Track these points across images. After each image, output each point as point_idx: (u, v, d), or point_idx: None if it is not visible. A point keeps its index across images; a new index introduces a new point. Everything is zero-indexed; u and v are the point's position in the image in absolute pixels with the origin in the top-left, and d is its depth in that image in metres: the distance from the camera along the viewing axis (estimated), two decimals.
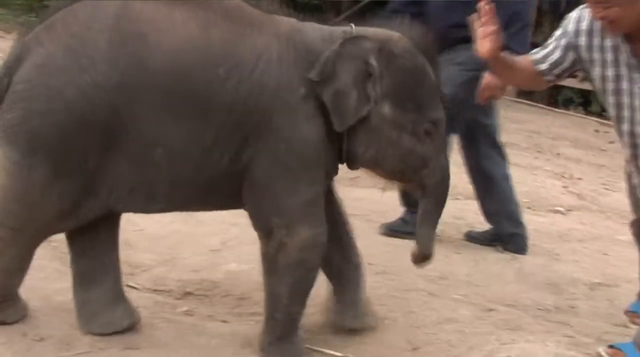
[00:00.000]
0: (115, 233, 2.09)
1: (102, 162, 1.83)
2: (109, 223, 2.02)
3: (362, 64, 1.93)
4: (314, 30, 2.00)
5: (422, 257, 2.10)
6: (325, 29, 2.03)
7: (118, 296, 2.08)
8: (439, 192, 2.08)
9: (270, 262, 1.96)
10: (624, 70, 2.06)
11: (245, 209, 2.00)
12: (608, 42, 2.07)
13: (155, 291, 2.41)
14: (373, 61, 1.93)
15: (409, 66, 1.98)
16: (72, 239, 2.03)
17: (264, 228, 1.96)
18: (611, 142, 6.09)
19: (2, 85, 1.82)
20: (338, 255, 2.18)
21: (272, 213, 1.93)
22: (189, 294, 2.43)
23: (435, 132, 2.03)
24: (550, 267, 3.07)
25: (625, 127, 2.09)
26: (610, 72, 2.07)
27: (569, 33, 2.14)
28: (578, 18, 2.13)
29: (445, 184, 2.09)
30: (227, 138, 1.87)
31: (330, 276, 2.22)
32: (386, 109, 1.95)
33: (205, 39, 1.85)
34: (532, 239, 3.25)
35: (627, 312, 2.62)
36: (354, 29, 2.00)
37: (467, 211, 3.47)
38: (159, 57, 1.81)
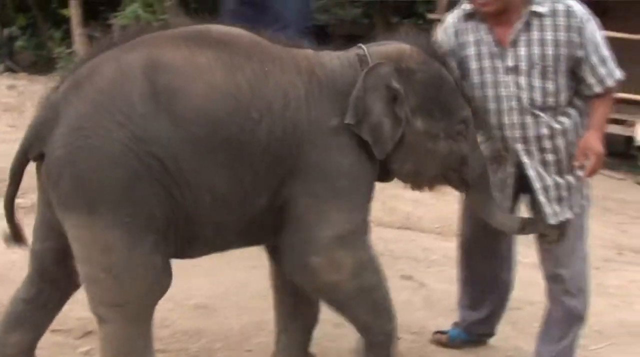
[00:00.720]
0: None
1: (167, 213, 1.81)
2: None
3: (385, 90, 1.99)
4: (331, 59, 2.05)
5: (540, 230, 2.28)
6: (340, 55, 2.08)
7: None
8: (483, 183, 2.21)
9: (334, 301, 2.02)
10: (486, 62, 2.24)
11: (280, 247, 1.99)
12: (471, 37, 2.26)
13: (54, 331, 2.31)
14: (395, 84, 2.00)
15: (428, 77, 2.06)
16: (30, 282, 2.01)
17: (304, 272, 1.96)
18: None
19: (34, 149, 1.80)
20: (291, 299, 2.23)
21: (309, 252, 1.93)
22: (90, 333, 2.37)
23: (466, 130, 2.13)
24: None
25: (494, 119, 2.25)
26: (473, 66, 2.26)
27: (443, 41, 2.32)
28: (443, 27, 2.35)
29: (486, 174, 2.21)
30: (265, 179, 1.89)
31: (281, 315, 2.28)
32: (418, 123, 2.04)
33: (233, 84, 1.85)
34: (441, 265, 3.35)
35: (437, 333, 2.71)
36: (365, 50, 2.07)
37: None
38: (190, 109, 1.80)
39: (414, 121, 2.03)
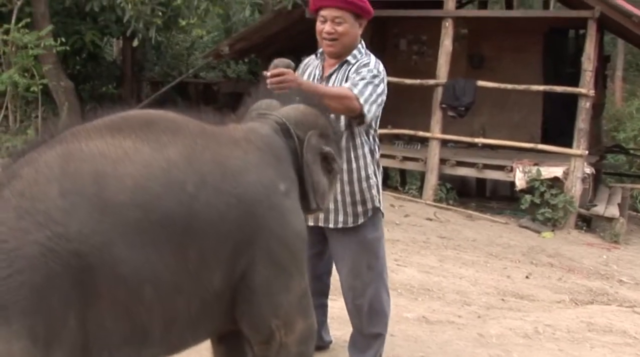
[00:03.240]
0: None
1: (86, 319, 1.69)
2: None
3: (320, 156, 2.24)
4: (261, 125, 2.17)
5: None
6: (265, 120, 2.21)
7: None
8: None
9: None
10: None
11: (240, 322, 1.97)
12: (310, 69, 2.82)
13: None
14: (325, 148, 2.26)
15: (327, 126, 2.35)
16: None
17: (264, 333, 1.99)
18: (407, 216, 7.05)
19: None
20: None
21: (271, 316, 1.97)
22: None
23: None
24: (337, 354, 3.11)
25: None
26: None
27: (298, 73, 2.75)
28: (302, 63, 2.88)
29: None
30: (215, 254, 1.85)
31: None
32: (338, 163, 2.35)
33: (163, 159, 1.83)
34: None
35: None
36: (283, 117, 2.21)
37: None
38: (120, 191, 1.74)
39: (338, 165, 2.34)
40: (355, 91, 2.55)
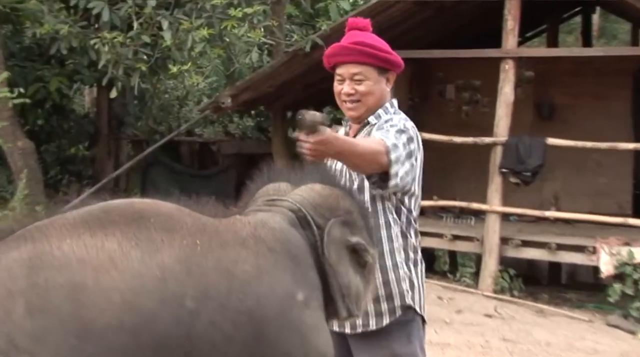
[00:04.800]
0: None
1: None
2: None
3: (348, 250, 2.28)
4: (272, 216, 2.20)
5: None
6: (275, 209, 2.25)
7: None
8: None
9: None
10: None
11: None
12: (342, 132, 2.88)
13: None
14: (352, 238, 2.29)
15: (358, 210, 2.40)
16: None
17: None
18: (459, 312, 6.97)
19: None
20: None
21: None
22: None
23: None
24: None
25: None
26: None
27: None
28: None
29: None
30: None
31: None
32: (374, 253, 2.40)
33: (156, 266, 1.85)
34: None
35: None
36: (302, 207, 2.26)
37: None
38: (106, 311, 1.75)
39: (373, 256, 2.39)
40: (388, 143, 2.58)
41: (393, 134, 2.64)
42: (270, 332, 1.95)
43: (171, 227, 1.95)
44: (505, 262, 8.25)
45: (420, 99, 10.22)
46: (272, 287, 2.00)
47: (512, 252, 8.23)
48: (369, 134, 2.78)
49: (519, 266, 8.55)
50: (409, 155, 2.65)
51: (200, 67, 11.76)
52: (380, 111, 2.83)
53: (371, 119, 2.83)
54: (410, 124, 2.76)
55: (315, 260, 2.20)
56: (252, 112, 13.28)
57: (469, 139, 8.41)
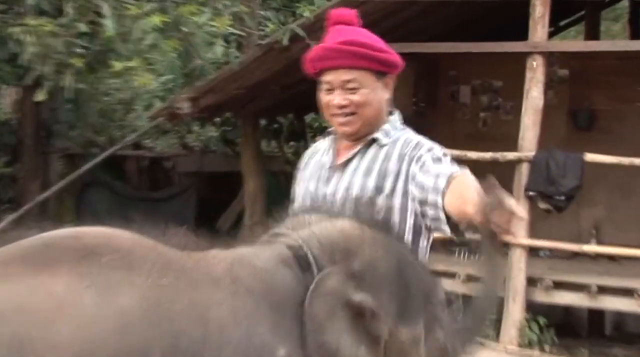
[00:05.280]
0: None
1: None
2: None
3: (345, 310, 2.20)
4: (260, 252, 2.26)
5: None
6: (269, 251, 2.29)
7: None
8: None
9: None
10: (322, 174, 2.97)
11: None
12: (319, 157, 3.03)
13: None
14: (355, 296, 2.21)
15: (393, 264, 2.32)
16: None
17: None
18: None
19: None
20: None
21: None
22: None
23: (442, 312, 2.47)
24: None
25: None
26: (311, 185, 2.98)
27: (299, 168, 3.10)
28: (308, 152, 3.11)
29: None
30: None
31: None
32: (403, 333, 2.29)
33: (115, 313, 1.91)
34: None
35: None
36: (303, 245, 2.28)
37: None
38: None
39: (396, 333, 2.27)
40: (455, 171, 2.69)
41: (451, 167, 2.73)
42: None
43: (130, 265, 1.99)
44: (533, 309, 8.28)
45: (426, 103, 10.28)
46: (250, 337, 2.04)
47: (543, 297, 8.28)
48: (380, 158, 2.86)
49: (551, 314, 8.56)
50: None
51: (151, 64, 11.76)
52: (387, 127, 2.91)
53: (379, 135, 2.89)
54: (439, 148, 2.86)
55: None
56: (217, 120, 13.26)
57: (488, 155, 8.43)
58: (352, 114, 2.84)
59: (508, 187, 8.06)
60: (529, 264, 8.24)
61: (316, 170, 3.01)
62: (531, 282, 8.21)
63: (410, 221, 2.84)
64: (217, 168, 12.34)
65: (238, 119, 11.88)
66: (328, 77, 2.84)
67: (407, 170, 2.82)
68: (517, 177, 8.21)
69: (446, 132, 9.39)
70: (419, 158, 2.80)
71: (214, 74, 10.64)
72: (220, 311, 2.04)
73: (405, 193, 2.82)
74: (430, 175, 2.73)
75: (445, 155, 2.81)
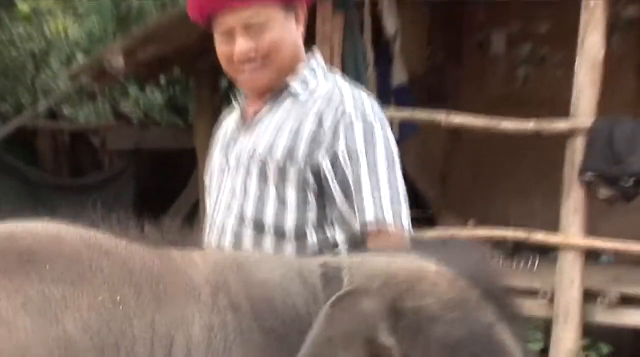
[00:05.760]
0: None
1: None
2: None
3: (365, 348, 2.12)
4: (267, 268, 2.31)
5: None
6: (288, 262, 2.37)
7: None
8: None
9: None
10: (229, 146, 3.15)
11: None
12: (226, 130, 3.26)
13: None
14: (383, 338, 2.13)
15: (461, 336, 2.18)
16: None
17: None
18: None
19: None
20: None
21: None
22: None
23: None
24: None
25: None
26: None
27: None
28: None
29: None
30: None
31: None
32: None
33: (55, 343, 2.01)
34: None
35: None
36: (341, 262, 2.32)
37: None
38: None
39: None
40: (388, 219, 2.89)
41: (383, 167, 2.96)
42: None
43: (77, 276, 2.08)
44: (593, 333, 8.28)
45: (446, 57, 10.24)
46: None
47: (606, 316, 8.24)
48: (289, 111, 3.03)
49: (617, 339, 8.56)
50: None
51: (73, 6, 11.71)
52: (304, 74, 3.05)
53: (295, 85, 3.05)
54: (377, 108, 3.01)
55: None
56: (161, 80, 13.23)
57: (529, 124, 8.36)
58: (264, 61, 2.97)
59: (558, 169, 8.05)
60: (586, 273, 8.21)
61: (222, 143, 3.20)
62: (590, 297, 8.18)
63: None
64: (162, 145, 12.30)
65: (190, 78, 11.85)
66: (223, 22, 2.95)
67: (330, 144, 2.96)
68: (570, 155, 8.20)
69: (472, 93, 9.39)
70: (349, 147, 2.93)
71: (156, 16, 10.58)
72: (189, 330, 2.11)
73: (318, 170, 2.99)
74: (356, 192, 2.93)
75: (390, 159, 2.96)
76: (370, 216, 2.87)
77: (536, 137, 8.38)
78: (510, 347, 2.24)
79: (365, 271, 2.25)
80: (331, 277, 2.26)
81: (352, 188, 2.91)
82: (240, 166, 3.07)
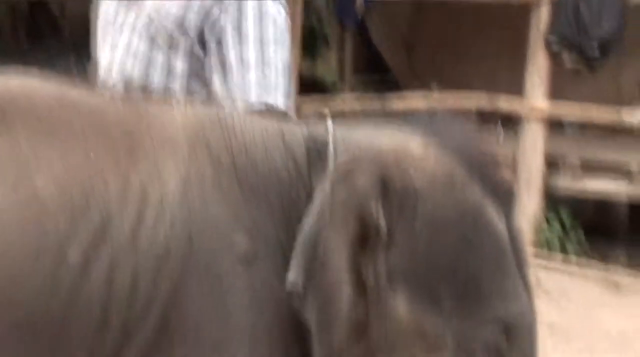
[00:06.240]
0: None
1: None
2: None
3: (356, 224, 2.07)
4: (247, 121, 2.24)
5: None
6: (271, 120, 2.30)
7: None
8: None
9: None
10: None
11: None
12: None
13: None
14: (375, 213, 2.06)
15: (448, 215, 2.13)
16: None
17: None
18: None
19: None
20: None
21: None
22: None
23: (509, 347, 2.18)
24: None
25: None
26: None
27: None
28: None
29: None
30: None
31: None
32: (401, 306, 2.10)
33: (25, 200, 1.98)
34: None
35: None
36: (330, 131, 2.22)
37: None
38: None
39: (393, 300, 2.11)
40: (272, 99, 2.83)
41: (272, 68, 2.87)
42: (183, 281, 2.04)
43: (50, 130, 2.03)
44: (554, 201, 8.43)
45: None
46: (199, 214, 2.08)
47: (568, 184, 8.41)
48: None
49: (578, 208, 8.45)
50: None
51: None
52: None
53: None
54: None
55: (293, 205, 2.16)
56: None
57: None
58: None
59: (522, 36, 8.03)
60: (549, 141, 8.28)
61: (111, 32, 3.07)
62: (552, 165, 8.28)
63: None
64: None
65: None
66: None
67: (217, 18, 2.89)
68: (535, 22, 8.28)
69: None
70: (237, 23, 2.88)
71: None
72: (164, 185, 2.07)
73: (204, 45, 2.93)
74: (239, 70, 2.86)
75: (276, 11, 2.91)
76: (252, 95, 2.84)
77: (502, 6, 8.49)
78: (496, 227, 2.20)
79: (351, 147, 2.19)
80: (315, 151, 2.21)
81: (235, 67, 2.86)
82: (134, 29, 3.00)
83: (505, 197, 2.25)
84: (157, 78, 2.92)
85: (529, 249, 7.18)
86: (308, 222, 2.10)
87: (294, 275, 2.07)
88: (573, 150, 8.49)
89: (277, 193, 2.17)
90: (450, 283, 2.14)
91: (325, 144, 2.19)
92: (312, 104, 8.45)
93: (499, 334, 2.18)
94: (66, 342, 1.99)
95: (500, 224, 2.19)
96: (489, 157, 2.29)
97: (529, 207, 8.19)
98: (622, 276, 7.66)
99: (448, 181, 2.16)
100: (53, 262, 1.96)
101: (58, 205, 1.98)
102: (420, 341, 2.14)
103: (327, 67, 13.63)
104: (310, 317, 2.09)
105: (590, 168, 8.22)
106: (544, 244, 8.11)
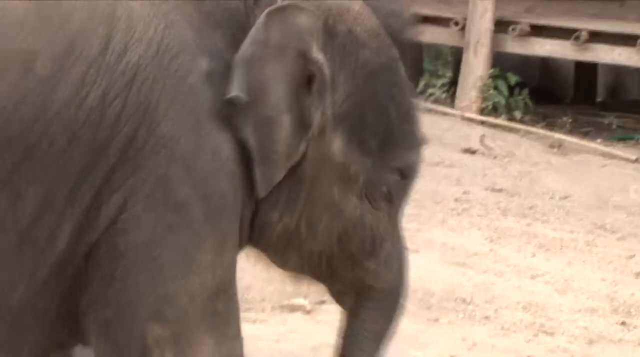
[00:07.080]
0: None
1: None
2: None
3: (297, 61, 2.25)
4: None
5: None
6: None
7: None
8: (389, 303, 2.56)
9: None
10: None
11: (85, 328, 2.23)
12: None
13: None
14: (316, 54, 2.25)
15: (379, 66, 2.37)
16: None
17: (128, 352, 2.20)
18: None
19: None
20: None
21: (149, 317, 2.18)
22: None
23: (398, 193, 2.49)
24: None
25: None
26: None
27: None
28: None
29: (400, 289, 2.56)
30: (68, 190, 2.10)
31: None
32: (336, 144, 2.34)
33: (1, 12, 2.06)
34: None
35: None
36: None
37: None
38: None
39: (330, 138, 2.34)
40: None
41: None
42: (148, 105, 2.15)
43: None
44: (502, 64, 8.38)
45: None
46: (163, 38, 2.17)
47: (515, 46, 8.37)
48: None
49: (525, 70, 8.41)
50: None
51: None
52: None
53: None
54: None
55: (243, 34, 2.28)
56: None
57: None
58: None
59: None
60: (498, 3, 8.25)
61: None
62: (500, 26, 8.22)
63: None
64: None
65: None
66: None
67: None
68: None
69: None
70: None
71: None
72: (129, 6, 2.15)
73: None
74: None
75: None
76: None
77: None
78: (406, 79, 2.47)
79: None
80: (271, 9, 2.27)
81: None
82: None
83: (414, 61, 2.58)
84: None
85: (476, 113, 7.15)
86: (246, 43, 2.24)
87: (235, 90, 2.21)
88: (521, 13, 8.44)
89: (228, 18, 2.30)
90: (376, 127, 2.39)
91: None
92: None
93: (396, 179, 2.48)
94: (38, 154, 2.06)
95: (408, 83, 2.50)
96: (407, 28, 2.57)
97: (476, 69, 8.12)
98: (565, 137, 7.61)
99: (381, 34, 2.41)
100: (20, 71, 2.03)
101: (33, 17, 2.06)
102: (342, 176, 2.38)
103: None
104: (250, 137, 2.24)
105: (537, 30, 8.18)
106: (490, 107, 8.03)
